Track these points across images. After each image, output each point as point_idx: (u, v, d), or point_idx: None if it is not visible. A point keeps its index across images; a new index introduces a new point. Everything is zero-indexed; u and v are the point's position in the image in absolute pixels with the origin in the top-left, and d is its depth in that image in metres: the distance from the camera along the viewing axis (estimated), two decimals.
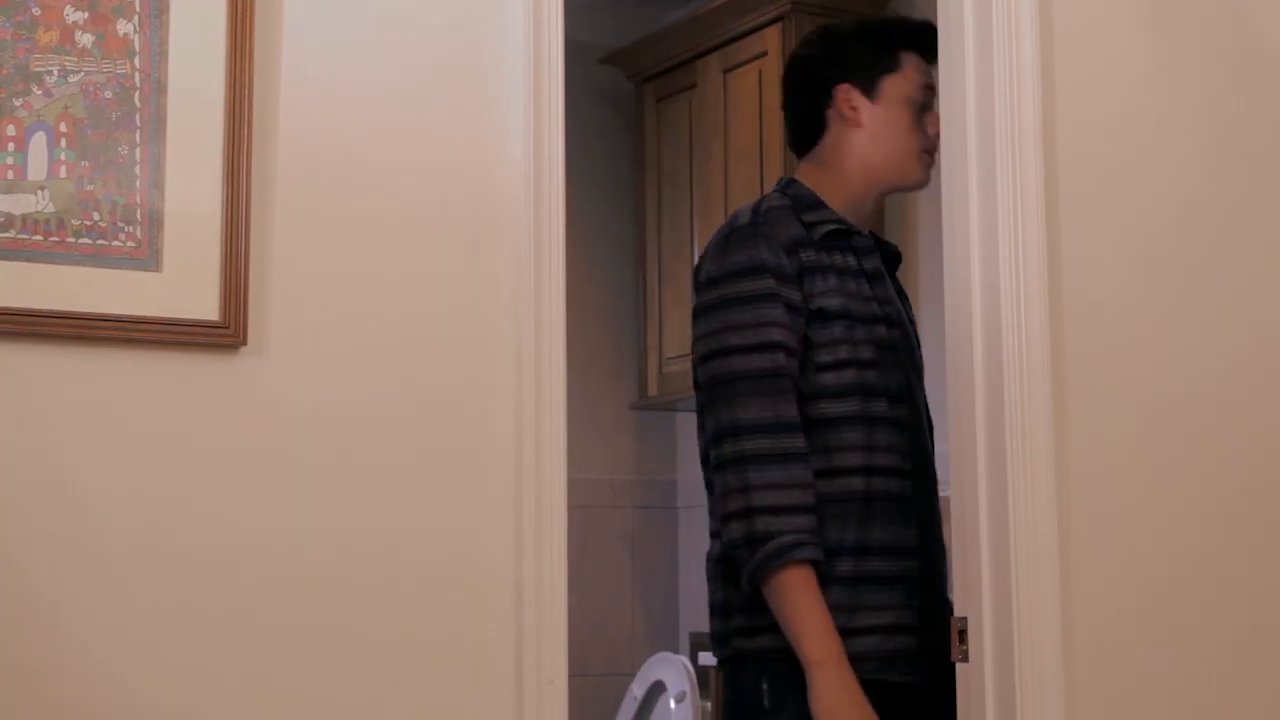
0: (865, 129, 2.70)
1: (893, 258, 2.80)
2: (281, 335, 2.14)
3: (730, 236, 2.61)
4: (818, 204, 2.66)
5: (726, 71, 4.55)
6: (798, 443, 2.52)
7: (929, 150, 2.71)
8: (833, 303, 2.58)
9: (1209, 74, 2.76)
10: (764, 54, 4.38)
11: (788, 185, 2.72)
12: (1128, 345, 2.63)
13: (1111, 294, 2.62)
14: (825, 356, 2.58)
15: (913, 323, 2.79)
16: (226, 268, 2.10)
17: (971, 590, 2.47)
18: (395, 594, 2.18)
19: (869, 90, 2.70)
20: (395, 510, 2.19)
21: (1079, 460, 2.53)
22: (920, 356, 2.76)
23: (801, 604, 2.48)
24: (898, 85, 2.70)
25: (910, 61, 2.72)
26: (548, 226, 2.28)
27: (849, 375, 2.59)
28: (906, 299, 2.82)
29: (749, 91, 4.44)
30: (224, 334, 2.10)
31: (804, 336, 2.57)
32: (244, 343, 2.11)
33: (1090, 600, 2.52)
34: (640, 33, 4.88)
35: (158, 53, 2.10)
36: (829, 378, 2.58)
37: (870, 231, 2.78)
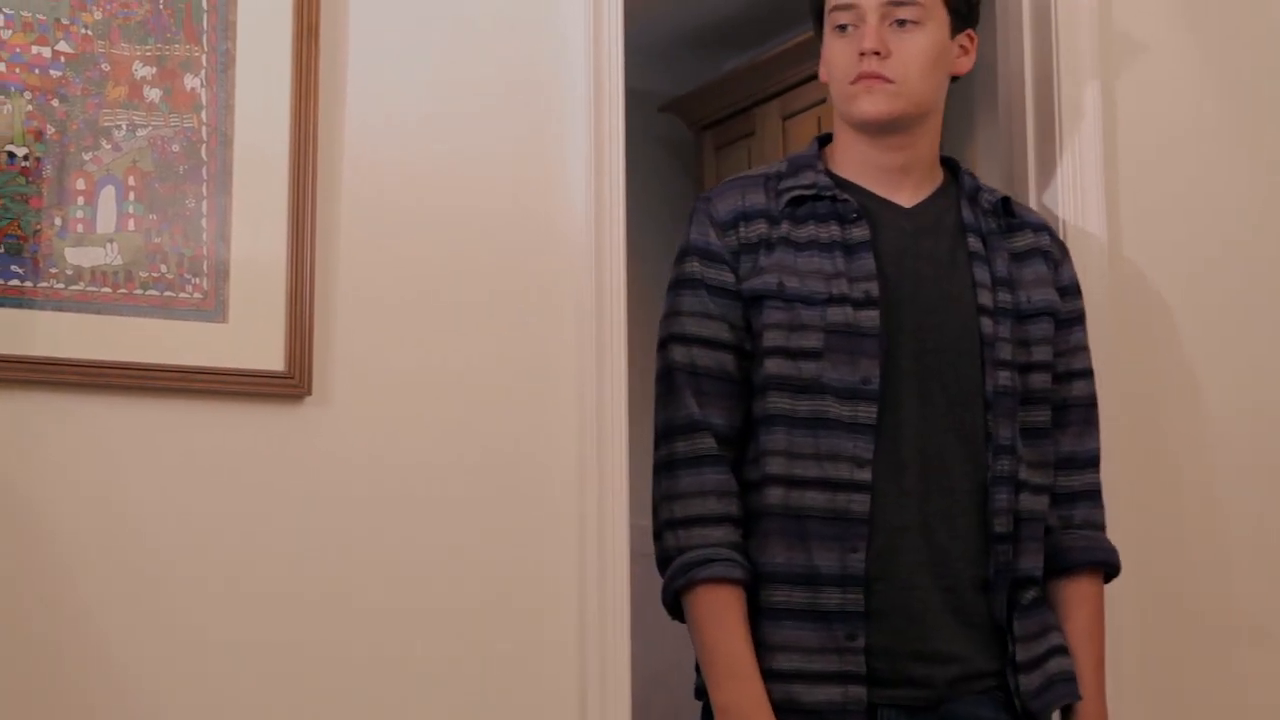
0: (823, 71, 2.36)
1: (991, 208, 2.36)
2: (345, 385, 2.16)
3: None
4: (805, 166, 2.33)
5: (785, 118, 4.55)
6: (712, 444, 2.19)
7: (865, 75, 2.26)
8: (763, 282, 2.22)
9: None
10: (823, 101, 4.37)
11: (810, 144, 2.41)
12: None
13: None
14: (762, 345, 2.22)
15: (1004, 304, 2.28)
16: (291, 319, 2.12)
17: None
18: (457, 641, 2.18)
19: (819, 30, 2.37)
20: (458, 558, 2.19)
21: None
22: (981, 343, 2.26)
23: (708, 635, 2.14)
24: (827, 14, 2.33)
25: None
26: (609, 273, 2.28)
27: (773, 366, 2.20)
28: (980, 261, 2.30)
29: (808, 138, 4.41)
30: (289, 384, 2.11)
31: (746, 322, 2.23)
32: (309, 393, 2.12)
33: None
34: (699, 81, 4.90)
35: (224, 106, 2.13)
36: (762, 370, 2.21)
37: (958, 185, 2.36)
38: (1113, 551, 2.33)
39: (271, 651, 2.08)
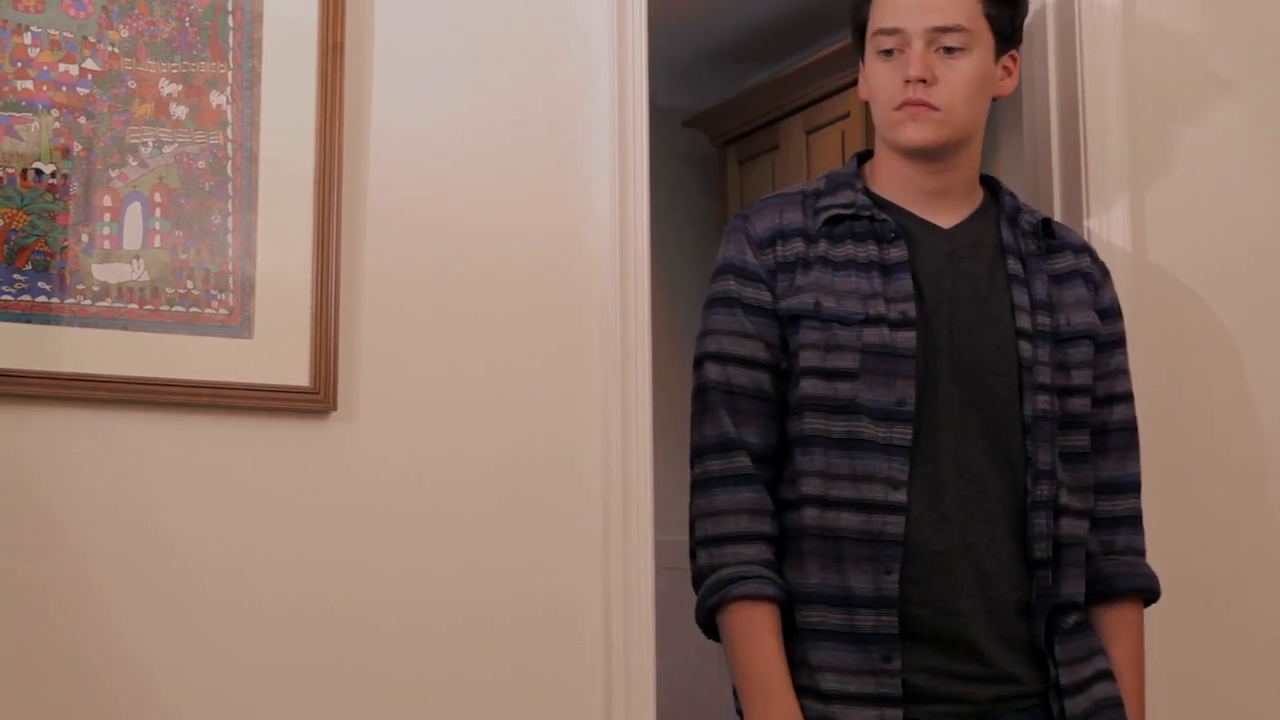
0: (863, 89, 2.33)
1: (1031, 229, 2.34)
2: (370, 400, 2.16)
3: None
4: (844, 184, 2.31)
5: (809, 133, 4.56)
6: (747, 463, 2.18)
7: (911, 102, 2.24)
8: (800, 302, 2.21)
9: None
10: (846, 115, 4.38)
11: (850, 161, 2.38)
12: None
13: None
14: (798, 365, 2.20)
15: (1042, 328, 2.27)
16: (317, 334, 2.12)
17: None
18: (484, 654, 2.18)
19: (861, 51, 2.33)
20: (483, 571, 2.19)
21: None
22: (1019, 366, 2.24)
23: (741, 653, 2.13)
24: (870, 37, 2.30)
25: (875, 3, 2.30)
26: (633, 287, 2.28)
27: (808, 387, 2.19)
28: (1019, 283, 2.29)
29: (832, 152, 4.44)
30: (314, 399, 2.12)
31: (782, 341, 2.23)
32: (334, 408, 2.13)
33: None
34: (722, 96, 4.91)
35: (250, 123, 2.14)
36: (798, 390, 2.20)
37: (1004, 208, 2.34)
38: (1153, 578, 2.31)
39: (297, 665, 2.09)
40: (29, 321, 1.99)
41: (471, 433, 2.21)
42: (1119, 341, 2.36)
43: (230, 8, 2.14)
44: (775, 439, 2.21)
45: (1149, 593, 2.32)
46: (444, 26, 2.27)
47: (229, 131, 2.13)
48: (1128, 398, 2.36)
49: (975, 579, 2.18)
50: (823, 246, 2.24)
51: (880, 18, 2.26)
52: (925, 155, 2.27)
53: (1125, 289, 2.58)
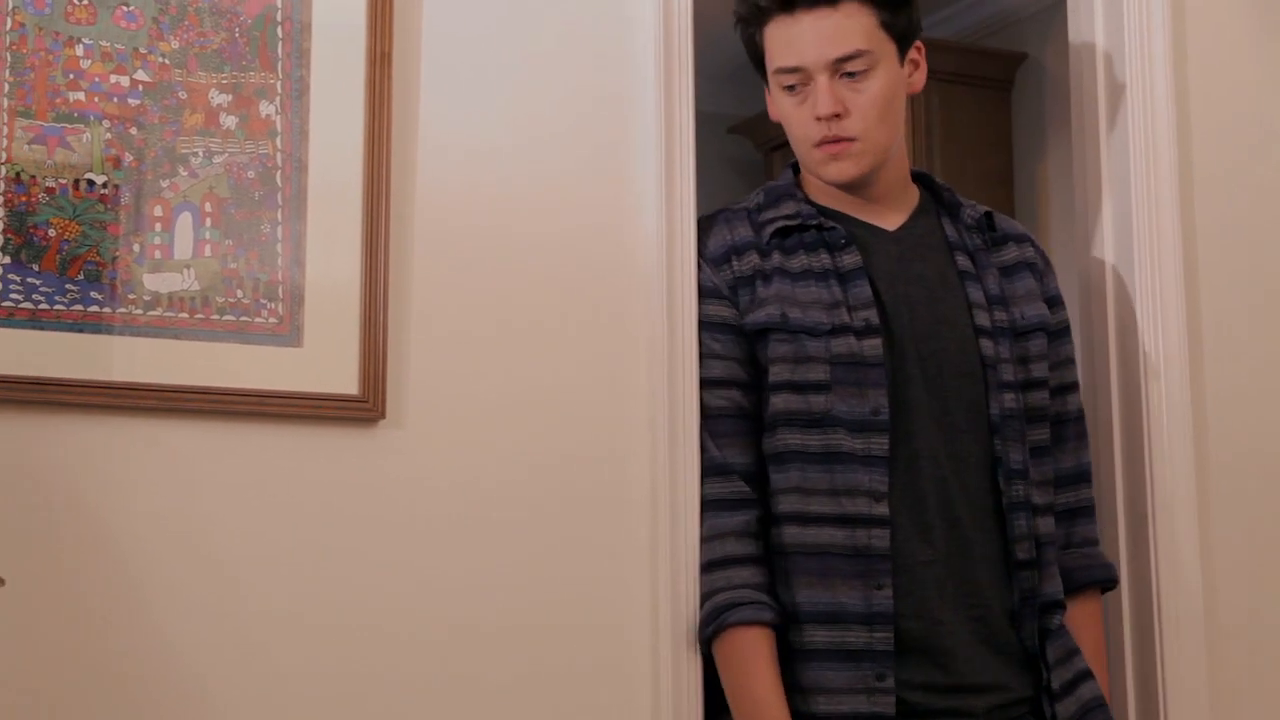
0: (773, 112, 2.28)
1: (975, 223, 2.32)
2: (419, 408, 2.17)
3: None
4: (785, 195, 2.28)
5: None
6: (738, 485, 2.17)
7: (828, 140, 2.20)
8: (766, 314, 2.19)
9: None
10: None
11: (785, 172, 2.35)
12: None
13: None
14: (768, 380, 2.18)
15: (995, 322, 2.25)
16: (365, 343, 2.13)
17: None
18: (533, 660, 2.18)
19: (762, 75, 2.28)
20: (531, 578, 2.20)
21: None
22: (983, 365, 2.22)
23: (735, 680, 2.12)
24: (771, 74, 2.24)
25: (771, 33, 2.22)
26: (680, 293, 2.28)
27: (780, 402, 2.16)
28: (971, 280, 2.26)
29: None
30: (363, 408, 2.12)
31: (751, 357, 2.21)
32: (383, 416, 2.14)
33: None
34: None
35: (299, 133, 2.15)
36: (769, 406, 2.18)
37: (948, 201, 2.32)
38: (1110, 566, 2.34)
39: (348, 672, 2.09)
40: (81, 331, 2.01)
41: (519, 439, 2.22)
42: (1066, 330, 2.36)
43: (279, 18, 2.15)
44: (761, 456, 2.20)
45: (1108, 582, 2.33)
46: (491, 35, 2.27)
47: (278, 141, 2.14)
48: (1077, 387, 2.36)
49: (959, 588, 2.16)
50: (776, 258, 2.23)
51: (778, 56, 2.22)
52: (851, 186, 2.26)
53: (1173, 290, 2.57)
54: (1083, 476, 2.33)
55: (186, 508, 2.05)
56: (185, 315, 2.06)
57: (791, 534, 2.14)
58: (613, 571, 2.23)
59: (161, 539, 2.03)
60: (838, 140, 2.20)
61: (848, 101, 2.19)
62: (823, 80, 2.18)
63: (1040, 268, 2.35)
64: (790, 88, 2.22)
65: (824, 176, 2.24)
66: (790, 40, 2.19)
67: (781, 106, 2.26)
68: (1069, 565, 2.28)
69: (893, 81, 2.23)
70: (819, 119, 2.19)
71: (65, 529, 1.99)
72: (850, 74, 2.19)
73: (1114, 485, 2.53)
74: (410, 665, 2.12)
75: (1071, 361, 2.36)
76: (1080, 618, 2.28)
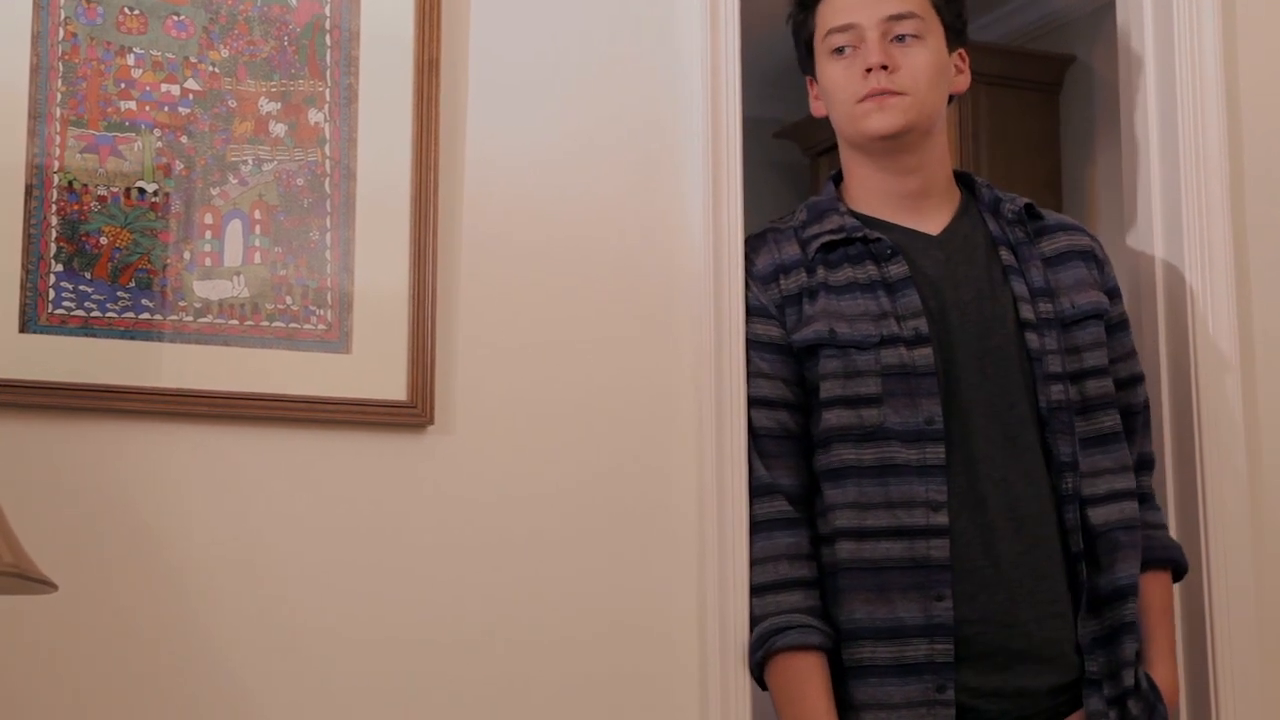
0: (817, 105, 2.33)
1: (1015, 216, 2.31)
2: (467, 414, 2.17)
3: None
4: (828, 210, 2.29)
5: None
6: (783, 506, 2.17)
7: (875, 91, 2.22)
8: (814, 331, 2.19)
9: None
10: None
11: (826, 186, 2.36)
12: None
13: None
14: (819, 396, 2.19)
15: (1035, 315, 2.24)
16: (414, 349, 2.14)
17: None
18: (582, 668, 2.18)
19: (809, 68, 2.34)
20: (580, 585, 2.20)
21: None
22: (1029, 359, 2.22)
23: (786, 706, 2.10)
24: (821, 40, 2.29)
25: (824, 9, 2.30)
26: (727, 301, 2.28)
27: (833, 418, 2.16)
28: (1015, 274, 2.26)
29: None
30: (412, 414, 2.13)
31: (799, 376, 2.22)
32: (431, 422, 2.14)
33: None
34: None
35: (347, 140, 2.16)
36: (821, 423, 2.18)
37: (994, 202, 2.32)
38: (1179, 548, 2.34)
39: (390, 679, 2.10)
40: (132, 338, 2.02)
41: (567, 447, 2.22)
42: (1126, 323, 2.37)
43: (328, 26, 2.16)
44: (808, 476, 2.20)
45: (1176, 565, 2.33)
46: (538, 43, 2.28)
47: (327, 149, 2.15)
48: (1143, 378, 2.37)
49: (1027, 588, 2.15)
50: (822, 274, 2.24)
51: (830, 17, 2.27)
52: (893, 147, 2.26)
53: (1224, 297, 2.56)
54: (1149, 465, 2.36)
55: (235, 513, 2.06)
56: (235, 322, 2.08)
57: (847, 550, 2.13)
58: (660, 584, 2.23)
59: (211, 545, 2.04)
60: (885, 92, 2.22)
61: (899, 58, 2.23)
62: (874, 37, 2.23)
63: (1098, 256, 2.35)
64: (839, 50, 2.26)
65: (866, 129, 2.24)
66: (844, 6, 2.26)
67: (828, 77, 2.28)
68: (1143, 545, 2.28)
69: (941, 58, 2.27)
70: (868, 71, 2.22)
71: (115, 535, 2.00)
72: (901, 37, 2.24)
73: (1164, 485, 2.51)
74: (455, 671, 2.13)
75: (1134, 354, 2.37)
76: (1148, 589, 2.27)
